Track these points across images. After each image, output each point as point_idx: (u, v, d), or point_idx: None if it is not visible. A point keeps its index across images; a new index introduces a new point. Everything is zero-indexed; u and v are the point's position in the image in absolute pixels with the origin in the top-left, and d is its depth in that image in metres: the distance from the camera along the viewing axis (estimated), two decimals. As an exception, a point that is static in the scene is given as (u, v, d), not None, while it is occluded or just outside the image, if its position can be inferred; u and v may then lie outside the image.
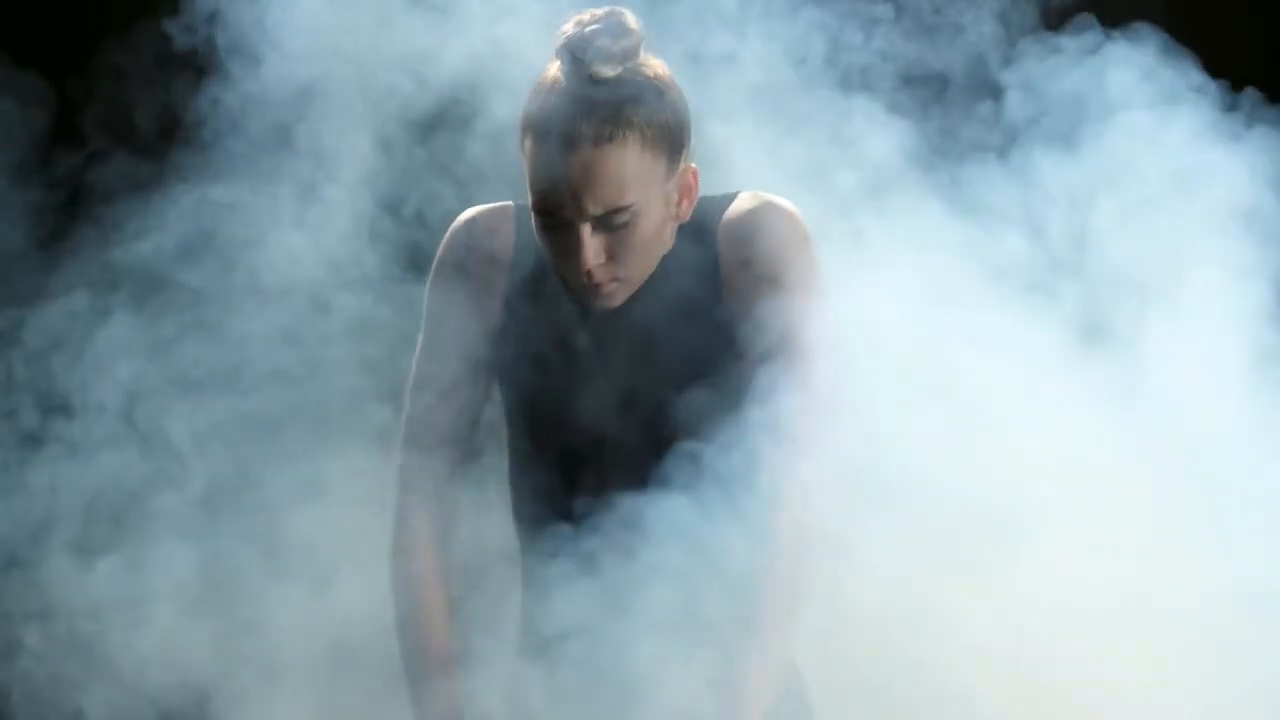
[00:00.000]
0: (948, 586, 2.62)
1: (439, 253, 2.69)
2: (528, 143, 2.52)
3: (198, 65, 2.97)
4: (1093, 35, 2.97)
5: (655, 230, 2.54)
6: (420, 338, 2.68)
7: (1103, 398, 2.76)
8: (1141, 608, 2.67)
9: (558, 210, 2.50)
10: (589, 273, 2.52)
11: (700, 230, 2.60)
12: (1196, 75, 2.94)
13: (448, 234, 2.69)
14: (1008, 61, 3.02)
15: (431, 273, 2.69)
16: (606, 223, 2.51)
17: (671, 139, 2.52)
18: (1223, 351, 2.81)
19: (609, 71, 2.49)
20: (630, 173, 2.48)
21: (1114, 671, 2.66)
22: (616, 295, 2.57)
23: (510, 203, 2.69)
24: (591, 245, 2.51)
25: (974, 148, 2.94)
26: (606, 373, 2.61)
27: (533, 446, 2.63)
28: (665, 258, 2.59)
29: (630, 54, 2.51)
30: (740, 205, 2.60)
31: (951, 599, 2.62)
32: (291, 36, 2.87)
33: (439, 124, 3.00)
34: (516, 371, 2.63)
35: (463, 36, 2.80)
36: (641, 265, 2.56)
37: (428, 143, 3.10)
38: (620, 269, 2.54)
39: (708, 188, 2.61)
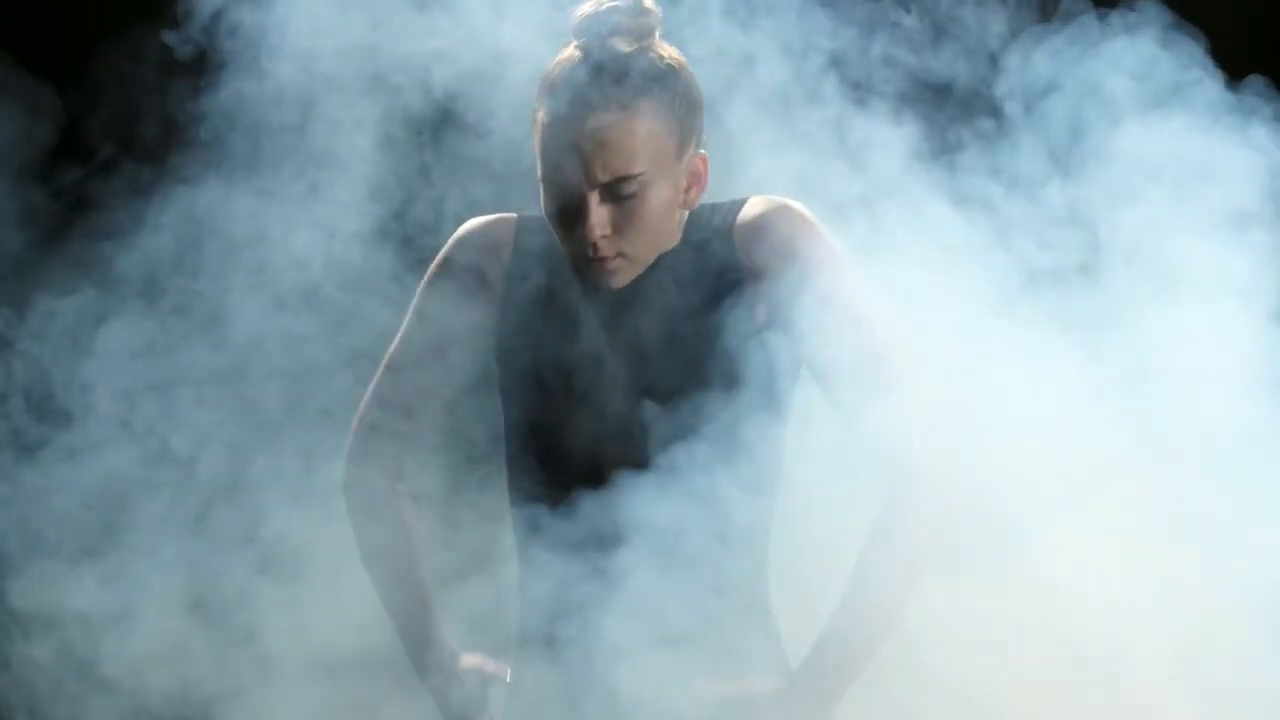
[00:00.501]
0: (948, 586, 2.62)
1: (438, 256, 2.69)
2: (540, 113, 2.54)
3: (198, 67, 2.97)
4: (1093, 26, 2.96)
5: (662, 209, 2.56)
6: (402, 329, 2.68)
7: (1104, 396, 2.75)
8: (1143, 608, 2.67)
9: (566, 178, 2.52)
10: (594, 245, 2.54)
11: (713, 234, 2.60)
12: (1200, 63, 2.92)
13: (449, 241, 2.69)
14: (1005, 55, 3.01)
15: (428, 273, 2.70)
16: (614, 192, 2.52)
17: (682, 120, 2.55)
18: (1225, 350, 2.80)
19: (624, 46, 2.52)
20: (640, 142, 2.51)
21: (1115, 671, 2.66)
22: (620, 274, 2.58)
23: (514, 214, 2.70)
24: (598, 214, 2.53)
25: (973, 145, 2.93)
26: (610, 380, 2.60)
27: (533, 457, 2.62)
28: (676, 261, 2.60)
29: (646, 33, 2.54)
30: (752, 208, 2.61)
31: (951, 599, 2.62)
32: (290, 37, 2.87)
33: (439, 125, 3.00)
34: (516, 382, 2.63)
35: (463, 36, 2.80)
36: (646, 244, 2.57)
37: (428, 144, 3.09)
38: (625, 243, 2.55)
39: (715, 194, 2.61)
